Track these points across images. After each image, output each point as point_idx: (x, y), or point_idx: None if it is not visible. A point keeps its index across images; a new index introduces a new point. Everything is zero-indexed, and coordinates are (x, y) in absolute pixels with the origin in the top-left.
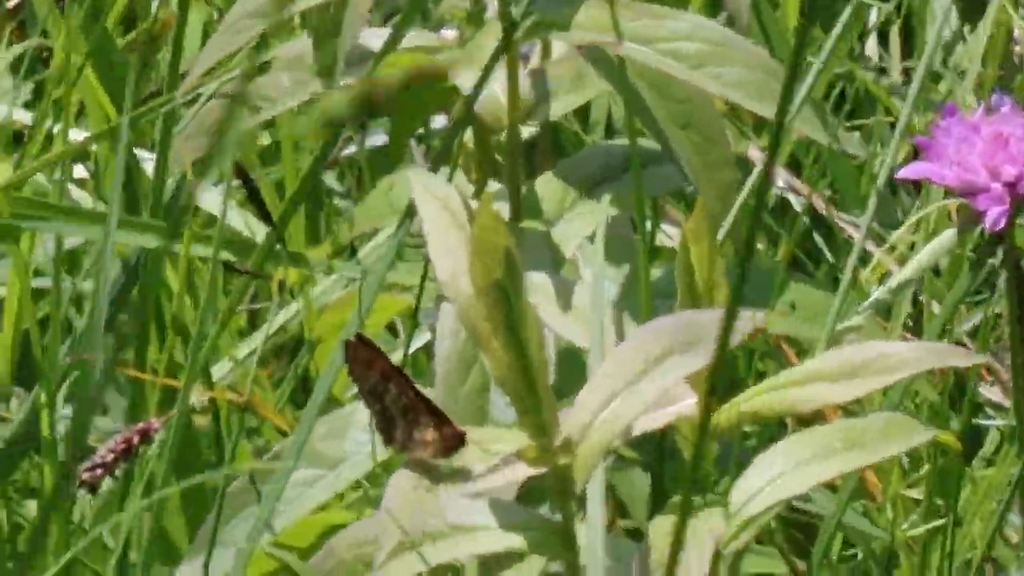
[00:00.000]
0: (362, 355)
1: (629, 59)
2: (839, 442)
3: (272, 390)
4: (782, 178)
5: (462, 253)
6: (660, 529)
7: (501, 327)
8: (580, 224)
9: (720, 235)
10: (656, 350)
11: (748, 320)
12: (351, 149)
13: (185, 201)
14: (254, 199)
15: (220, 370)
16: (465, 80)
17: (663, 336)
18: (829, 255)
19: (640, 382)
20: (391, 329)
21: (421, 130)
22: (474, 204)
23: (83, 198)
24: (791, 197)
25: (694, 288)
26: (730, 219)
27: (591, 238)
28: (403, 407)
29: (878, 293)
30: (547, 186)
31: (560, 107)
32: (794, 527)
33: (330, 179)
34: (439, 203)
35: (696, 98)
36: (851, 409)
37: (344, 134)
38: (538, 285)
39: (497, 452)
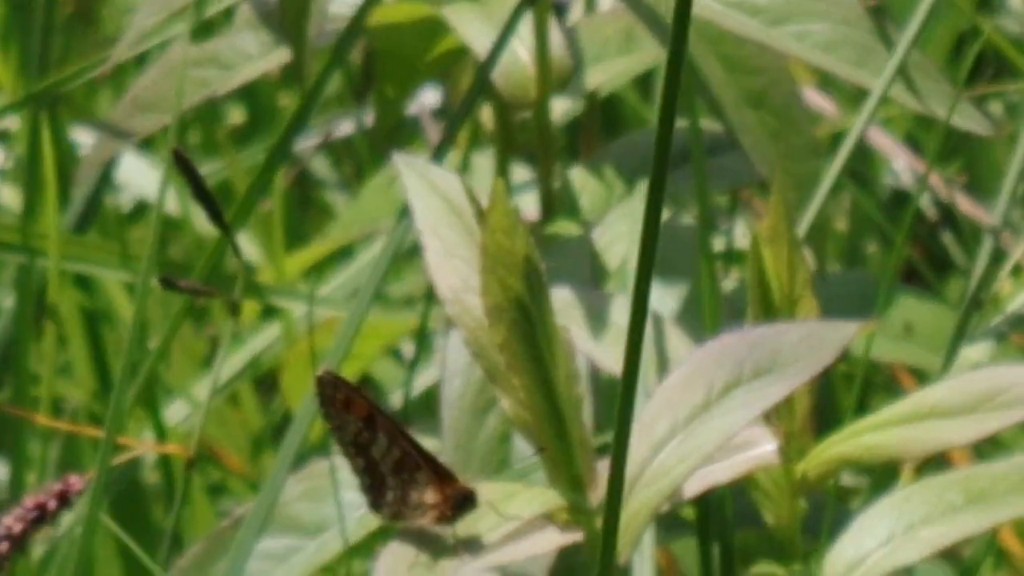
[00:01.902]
0: (339, 396)
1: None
2: (961, 496)
3: (245, 436)
4: (902, 159)
5: (470, 264)
6: None
7: (521, 358)
8: (628, 225)
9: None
10: (720, 379)
11: (834, 342)
12: (346, 127)
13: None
14: (199, 194)
15: (176, 413)
16: (479, 39)
17: (728, 360)
18: (963, 260)
19: (699, 422)
20: (397, 356)
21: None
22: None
23: None
24: (918, 190)
25: (770, 301)
26: (814, 215)
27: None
28: (395, 462)
29: (1016, 306)
30: (587, 177)
31: (601, 75)
32: None
33: (323, 166)
34: (439, 199)
35: (772, 69)
36: (985, 452)
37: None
38: (568, 303)
39: (517, 516)
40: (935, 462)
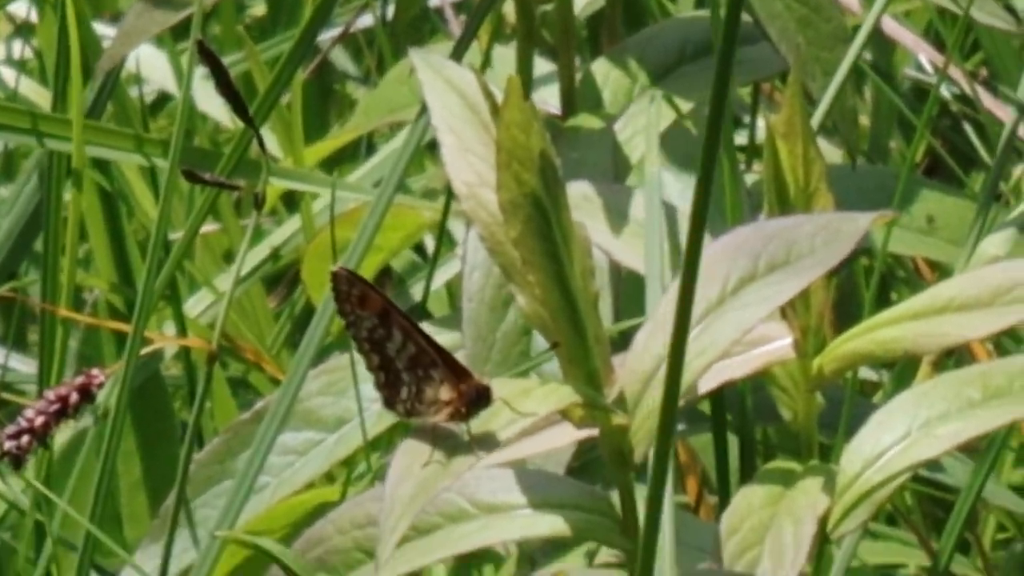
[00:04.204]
0: (353, 292)
1: None
2: (979, 392)
3: (270, 327)
4: (923, 53)
5: (486, 160)
6: (747, 504)
7: (536, 253)
8: (650, 118)
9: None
10: (734, 273)
11: (850, 234)
12: (367, 19)
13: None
14: (223, 87)
15: (198, 305)
16: None
17: (742, 254)
18: (985, 155)
19: (714, 317)
20: (420, 250)
21: None
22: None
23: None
24: (938, 79)
25: (785, 196)
26: (833, 102)
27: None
28: (410, 358)
29: None
30: (609, 69)
31: None
32: (939, 505)
33: (344, 59)
34: (455, 95)
35: None
36: (1008, 348)
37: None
38: (585, 197)
39: (532, 412)
40: (957, 356)
